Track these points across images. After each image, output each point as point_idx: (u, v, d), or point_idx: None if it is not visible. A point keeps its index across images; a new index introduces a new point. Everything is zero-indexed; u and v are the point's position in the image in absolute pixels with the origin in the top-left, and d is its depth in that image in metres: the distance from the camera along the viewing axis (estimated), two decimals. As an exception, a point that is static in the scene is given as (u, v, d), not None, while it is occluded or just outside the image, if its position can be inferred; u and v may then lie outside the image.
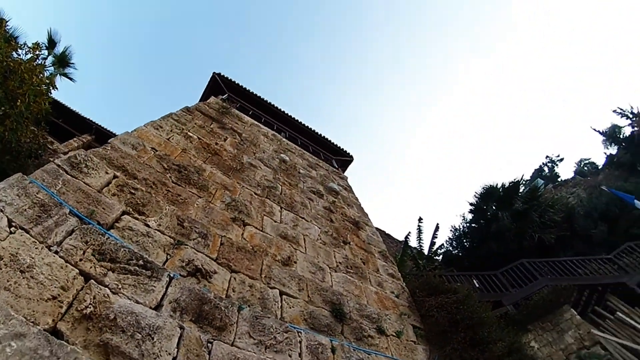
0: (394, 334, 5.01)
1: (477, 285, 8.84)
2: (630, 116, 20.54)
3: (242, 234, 5.14)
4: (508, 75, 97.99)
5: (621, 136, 21.81)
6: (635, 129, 19.77)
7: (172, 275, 3.39)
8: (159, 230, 3.82)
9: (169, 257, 3.65)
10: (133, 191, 3.89)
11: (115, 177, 3.86)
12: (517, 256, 10.60)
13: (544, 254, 11.42)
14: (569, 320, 7.68)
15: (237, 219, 5.30)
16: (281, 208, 6.71)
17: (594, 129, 23.51)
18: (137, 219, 3.69)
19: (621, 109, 20.98)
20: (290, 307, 4.29)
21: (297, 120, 12.58)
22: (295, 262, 5.38)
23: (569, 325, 7.59)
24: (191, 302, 3.27)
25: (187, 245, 3.97)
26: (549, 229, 12.72)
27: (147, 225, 3.73)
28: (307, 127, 12.80)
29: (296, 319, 4.14)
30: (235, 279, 4.14)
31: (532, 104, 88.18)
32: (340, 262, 6.15)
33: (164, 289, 3.19)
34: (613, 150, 23.27)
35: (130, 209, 3.70)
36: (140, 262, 3.21)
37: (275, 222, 6.09)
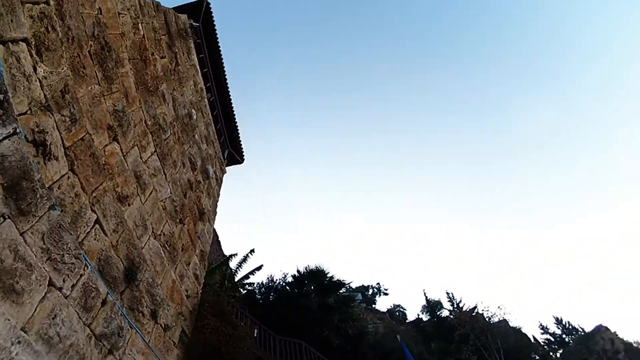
0: (163, 325, 5.05)
1: (255, 335, 9.34)
2: (455, 305, 24.43)
3: (106, 146, 4.79)
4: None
5: (438, 313, 25.07)
6: (451, 317, 23.08)
7: (18, 131, 3.02)
8: (40, 82, 3.38)
9: (29, 112, 3.24)
10: (50, 29, 3.42)
11: (47, 3, 3.36)
12: (301, 336, 11.73)
13: (323, 350, 12.63)
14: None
15: (112, 129, 4.94)
16: (155, 151, 6.42)
17: (425, 294, 26.85)
18: (31, 55, 3.23)
19: (452, 296, 24.99)
20: (95, 240, 4.07)
21: (229, 95, 12.31)
22: (129, 205, 5.16)
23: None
24: (15, 168, 2.94)
25: (52, 115, 3.58)
26: (340, 335, 14.36)
27: (35, 70, 3.29)
28: (232, 108, 12.61)
29: (92, 254, 3.94)
30: (68, 178, 3.82)
31: (402, 240, 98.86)
32: (164, 234, 6.05)
33: (0, 138, 2.82)
34: (425, 317, 26.74)
35: (33, 43, 3.23)
36: (1, 96, 2.82)
37: (141, 159, 5.81)
